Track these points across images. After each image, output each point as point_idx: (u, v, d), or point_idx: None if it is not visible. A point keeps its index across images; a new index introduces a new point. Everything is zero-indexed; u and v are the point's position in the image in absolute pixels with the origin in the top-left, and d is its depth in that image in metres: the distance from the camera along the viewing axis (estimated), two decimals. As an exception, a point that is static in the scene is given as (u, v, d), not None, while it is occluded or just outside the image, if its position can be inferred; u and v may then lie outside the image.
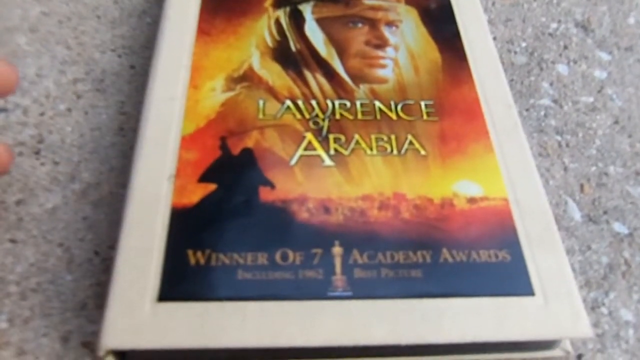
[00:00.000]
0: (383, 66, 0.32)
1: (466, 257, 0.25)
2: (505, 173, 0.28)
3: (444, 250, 0.25)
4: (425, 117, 0.30)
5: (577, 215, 0.31)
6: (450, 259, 0.24)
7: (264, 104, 0.29)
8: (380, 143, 0.28)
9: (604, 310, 0.28)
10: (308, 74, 0.31)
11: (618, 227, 0.31)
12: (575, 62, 0.39)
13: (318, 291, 0.23)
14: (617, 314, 0.28)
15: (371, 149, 0.28)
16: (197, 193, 0.26)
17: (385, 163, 0.27)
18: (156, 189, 0.25)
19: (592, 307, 0.28)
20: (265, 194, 0.26)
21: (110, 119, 0.32)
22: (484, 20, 0.35)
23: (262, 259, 0.24)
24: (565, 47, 0.40)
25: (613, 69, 0.39)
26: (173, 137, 0.27)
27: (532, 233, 0.26)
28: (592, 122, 0.36)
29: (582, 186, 0.33)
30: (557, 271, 0.25)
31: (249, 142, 0.28)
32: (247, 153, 0.27)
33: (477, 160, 0.28)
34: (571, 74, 0.38)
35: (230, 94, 0.30)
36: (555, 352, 0.25)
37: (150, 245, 0.24)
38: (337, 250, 0.24)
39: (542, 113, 0.36)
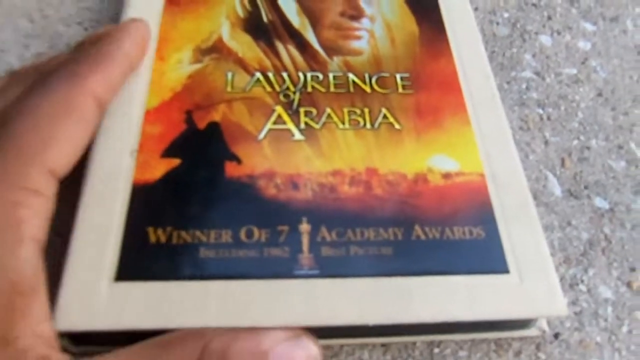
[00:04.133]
0: (358, 37, 0.31)
1: (439, 234, 0.24)
2: (482, 147, 0.27)
3: (416, 227, 0.24)
4: (400, 89, 0.28)
5: (557, 191, 0.30)
6: (422, 236, 0.23)
7: (232, 76, 0.28)
8: (353, 117, 0.27)
9: (583, 287, 0.27)
10: (280, 46, 0.30)
11: (599, 202, 0.30)
12: (559, 32, 0.38)
13: (284, 270, 0.22)
14: (595, 291, 0.27)
15: (343, 123, 0.27)
16: (159, 168, 0.25)
17: (358, 137, 0.26)
18: (117, 164, 0.24)
19: (571, 285, 0.27)
20: (231, 170, 0.25)
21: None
22: None
23: (226, 236, 0.23)
24: (549, 18, 0.39)
25: (598, 40, 0.38)
26: (137, 111, 0.26)
27: (508, 209, 0.25)
28: (575, 94, 0.35)
29: (563, 160, 0.32)
30: (533, 248, 0.24)
31: (216, 116, 0.27)
32: (214, 127, 0.26)
33: (454, 134, 0.27)
34: (554, 45, 0.37)
35: (198, 66, 0.29)
36: (531, 332, 0.25)
37: (109, 222, 0.23)
38: (304, 227, 0.23)
39: (524, 86, 0.35)
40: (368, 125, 0.27)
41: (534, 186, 0.30)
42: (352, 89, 0.28)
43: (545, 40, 0.37)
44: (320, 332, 0.22)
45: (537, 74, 0.35)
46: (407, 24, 0.32)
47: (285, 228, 0.23)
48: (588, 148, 0.32)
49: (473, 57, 0.30)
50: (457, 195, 0.25)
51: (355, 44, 0.30)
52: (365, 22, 0.32)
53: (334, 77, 0.29)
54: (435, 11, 0.32)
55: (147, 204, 0.24)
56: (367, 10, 0.32)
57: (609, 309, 0.27)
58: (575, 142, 0.33)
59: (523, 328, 0.25)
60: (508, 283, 0.23)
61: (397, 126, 0.27)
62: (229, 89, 0.28)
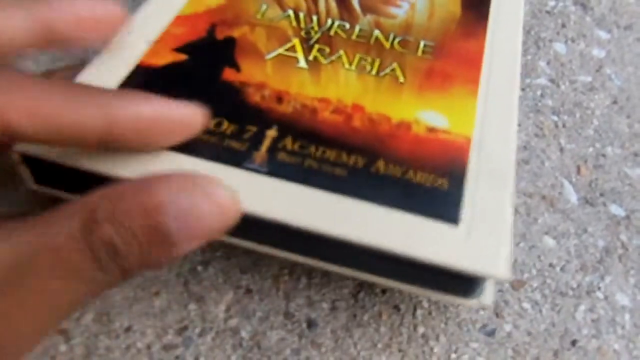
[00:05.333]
0: (398, 5, 0.31)
1: (400, 173, 0.23)
2: (481, 117, 0.26)
3: (380, 161, 0.23)
4: (419, 53, 0.28)
5: (573, 198, 0.30)
6: (382, 170, 0.23)
7: (266, 8, 0.30)
8: (362, 62, 0.28)
9: (600, 294, 0.27)
10: None
11: (615, 209, 0.30)
12: (573, 40, 0.38)
13: (235, 160, 0.23)
14: (612, 298, 0.27)
15: (350, 65, 0.27)
16: (166, 58, 0.26)
17: (359, 79, 0.27)
18: (131, 47, 0.26)
19: (588, 292, 0.27)
20: (228, 74, 0.26)
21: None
22: None
23: None
24: (563, 25, 0.39)
25: (612, 47, 0.38)
26: (168, 14, 0.28)
27: (483, 174, 0.24)
28: (590, 102, 0.35)
29: (578, 168, 0.32)
30: (494, 210, 0.22)
31: (236, 33, 0.28)
32: (229, 40, 0.28)
33: (456, 99, 0.26)
34: (569, 52, 0.37)
35: None
36: (471, 302, 0.23)
37: (103, 84, 0.24)
38: (271, 132, 0.24)
39: (539, 93, 0.35)
40: (373, 72, 0.27)
41: (550, 193, 0.30)
42: (372, 42, 0.29)
43: (559, 48, 0.37)
44: (249, 233, 0.23)
45: (552, 81, 0.35)
46: (452, 5, 0.32)
47: (254, 129, 0.24)
48: (603, 155, 0.32)
49: (505, 47, 0.29)
50: (435, 147, 0.24)
51: (392, 9, 0.31)
52: None
53: (360, 30, 0.29)
54: (485, 3, 0.32)
55: (141, 82, 0.25)
56: None
57: (627, 316, 0.27)
58: (591, 149, 0.33)
59: (465, 295, 0.23)
60: (453, 233, 0.22)
61: (401, 79, 0.27)
62: (258, 16, 0.29)
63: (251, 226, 0.21)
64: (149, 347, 0.24)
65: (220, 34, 0.28)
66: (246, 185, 0.22)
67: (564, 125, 0.33)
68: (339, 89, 0.26)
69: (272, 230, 0.22)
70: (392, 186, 0.23)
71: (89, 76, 0.25)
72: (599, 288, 0.27)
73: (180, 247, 0.18)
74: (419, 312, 0.26)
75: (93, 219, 0.17)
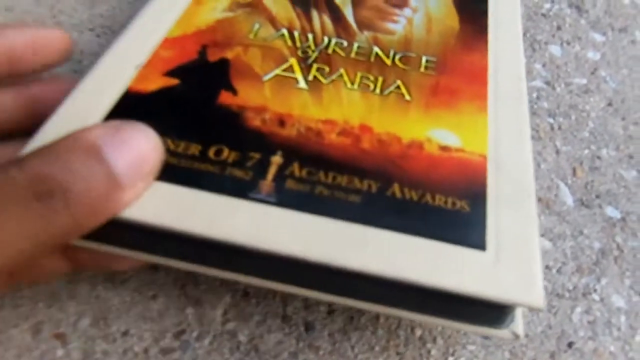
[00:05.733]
0: (395, 21, 0.30)
1: (418, 197, 0.22)
2: (493, 134, 0.24)
3: (395, 185, 0.22)
4: (422, 69, 0.27)
5: (569, 200, 0.31)
6: (398, 194, 0.22)
7: (259, 27, 0.28)
8: (365, 81, 0.26)
9: (596, 296, 0.27)
10: (314, 13, 0.30)
11: (610, 211, 0.30)
12: (568, 43, 0.38)
13: (239, 190, 0.21)
14: (608, 300, 0.27)
15: (352, 84, 0.26)
16: (156, 83, 0.25)
17: (363, 98, 0.25)
18: (119, 73, 0.25)
19: (584, 294, 0.27)
20: (225, 98, 0.25)
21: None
22: (518, 2, 0.32)
23: (194, 149, 0.22)
24: (559, 28, 0.39)
25: (607, 50, 0.38)
26: (155, 37, 0.27)
27: (503, 193, 0.22)
28: (585, 104, 0.35)
29: (574, 170, 0.32)
30: (521, 234, 0.21)
31: (229, 54, 0.27)
32: (223, 62, 0.26)
33: (465, 116, 0.25)
34: (564, 55, 0.37)
35: (230, 14, 0.29)
36: (502, 332, 0.22)
37: (87, 120, 0.23)
38: (276, 159, 0.22)
39: (535, 95, 0.35)
40: (377, 91, 0.26)
41: (546, 195, 0.30)
42: (372, 59, 0.27)
43: (555, 50, 0.37)
44: (261, 271, 0.22)
45: (548, 83, 0.36)
46: (449, 19, 0.31)
47: (257, 155, 0.22)
48: (599, 157, 0.33)
49: (509, 59, 0.29)
50: (450, 167, 0.23)
51: (389, 25, 0.30)
52: (407, 11, 0.31)
53: (358, 47, 0.28)
54: (482, 15, 0.31)
55: (131, 108, 0.24)
56: (413, 2, 0.32)
57: (622, 317, 0.27)
58: (586, 151, 0.33)
59: (494, 325, 0.22)
60: (481, 260, 0.20)
61: (407, 97, 0.26)
62: (251, 36, 0.28)
63: (262, 261, 0.21)
64: (146, 351, 0.24)
65: (212, 56, 0.27)
66: (254, 218, 0.21)
67: (559, 128, 0.34)
68: (343, 109, 0.25)
69: (284, 265, 0.21)
70: (411, 211, 0.21)
71: (74, 102, 0.23)
72: (595, 290, 0.27)
73: (126, 186, 0.19)
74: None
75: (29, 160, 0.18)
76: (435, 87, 0.26)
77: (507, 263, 0.20)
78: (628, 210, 0.30)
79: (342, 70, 0.27)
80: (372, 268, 0.20)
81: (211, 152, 0.22)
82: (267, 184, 0.22)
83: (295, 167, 0.22)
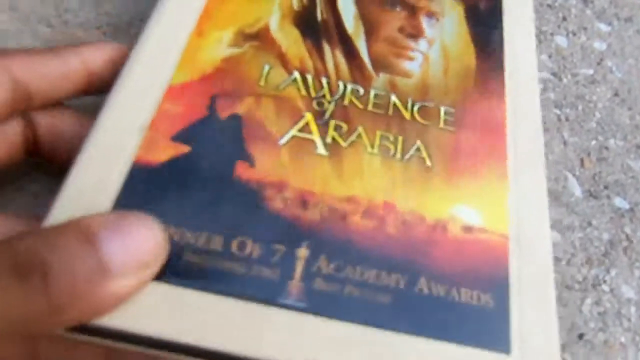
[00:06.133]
0: (411, 58, 0.29)
1: (444, 292, 0.21)
2: (514, 206, 0.24)
3: (422, 280, 0.21)
4: (442, 124, 0.26)
5: (577, 191, 0.31)
6: (426, 291, 0.21)
7: (269, 70, 0.26)
8: (385, 142, 0.25)
9: (605, 287, 0.27)
10: (327, 48, 0.28)
11: (619, 202, 0.30)
12: (574, 33, 0.38)
13: (269, 294, 0.20)
14: (618, 291, 0.27)
15: (372, 147, 0.25)
16: (166, 152, 0.23)
17: (384, 166, 0.24)
18: (121, 140, 0.22)
19: (593, 285, 0.27)
20: (242, 170, 0.23)
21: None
22: (532, 31, 0.31)
23: (216, 243, 0.21)
24: (564, 19, 0.39)
25: (613, 40, 0.38)
26: (158, 84, 0.24)
27: (525, 279, 0.22)
28: (592, 94, 0.35)
29: (582, 161, 0.32)
30: (543, 329, 0.21)
31: (241, 108, 0.25)
32: (235, 120, 0.24)
33: (486, 186, 0.25)
34: (570, 45, 0.37)
35: (236, 50, 0.27)
36: None
37: (97, 201, 0.21)
38: (302, 252, 0.21)
39: (541, 86, 0.35)
40: (398, 155, 0.25)
41: (554, 187, 0.31)
42: (390, 112, 0.26)
43: (560, 41, 0.37)
44: None
45: (554, 74, 0.36)
46: (466, 55, 0.29)
47: (282, 248, 0.21)
48: (606, 148, 0.33)
49: (527, 104, 0.28)
50: (474, 253, 0.23)
51: (406, 65, 0.28)
52: (422, 43, 0.29)
53: (375, 95, 0.27)
54: (497, 48, 0.30)
55: (142, 188, 0.22)
56: (428, 32, 0.30)
57: (632, 308, 0.27)
58: (594, 142, 0.33)
59: None
60: None
61: (428, 163, 0.25)
62: (262, 82, 0.26)
63: None
64: None
65: (222, 111, 0.24)
66: (286, 330, 0.19)
67: (566, 119, 0.34)
68: (365, 182, 0.24)
69: None
70: (438, 311, 0.21)
71: (80, 180, 0.21)
72: (605, 281, 0.28)
73: (115, 275, 0.17)
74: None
75: (22, 262, 0.17)
76: (455, 148, 0.26)
77: None
78: (637, 201, 0.30)
79: (360, 130, 0.25)
80: None
81: (234, 246, 0.21)
82: (295, 285, 0.20)
83: (323, 262, 0.21)
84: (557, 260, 0.28)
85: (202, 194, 0.22)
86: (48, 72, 0.24)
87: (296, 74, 0.26)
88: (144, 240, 0.19)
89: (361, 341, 0.20)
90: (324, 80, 0.26)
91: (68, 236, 0.17)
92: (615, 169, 0.32)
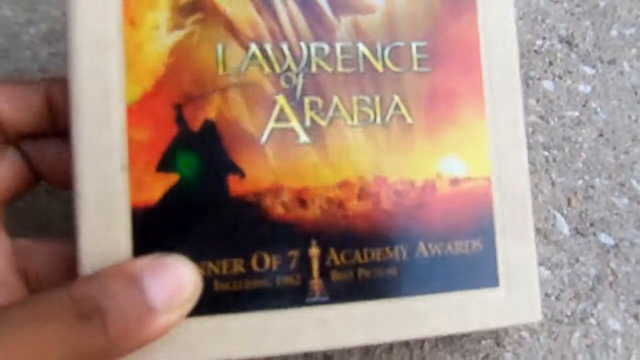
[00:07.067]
0: None
1: (441, 249, 0.25)
2: (493, 143, 0.26)
3: (421, 244, 0.24)
4: (415, 67, 0.26)
5: (565, 229, 0.33)
6: (425, 253, 0.24)
7: (223, 50, 0.24)
8: (363, 108, 0.25)
9: (593, 321, 0.29)
10: (278, 2, 0.25)
11: (604, 238, 0.33)
12: (560, 77, 0.40)
13: (297, 299, 0.23)
14: (605, 324, 0.29)
15: (352, 118, 0.25)
16: (157, 187, 0.22)
17: (368, 138, 0.25)
18: (109, 184, 0.22)
19: (582, 319, 0.29)
20: (235, 185, 0.23)
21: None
22: None
23: (238, 266, 0.23)
24: (551, 63, 0.41)
25: (597, 82, 0.40)
26: (116, 109, 0.22)
27: (507, 219, 0.25)
28: (578, 136, 0.37)
29: (569, 200, 0.34)
30: (524, 261, 0.25)
31: (210, 112, 0.23)
32: (209, 128, 0.23)
33: (466, 131, 0.26)
34: (556, 89, 0.40)
35: (180, 33, 0.24)
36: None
37: (116, 253, 0.22)
38: (314, 251, 0.23)
39: (530, 130, 0.37)
40: (378, 120, 0.25)
41: (544, 226, 0.33)
42: (362, 68, 0.25)
43: (547, 86, 0.40)
44: None
45: (542, 118, 0.38)
46: None
47: (296, 253, 0.23)
48: (592, 187, 0.35)
49: (499, 15, 0.27)
50: (463, 205, 0.25)
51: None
52: None
53: (342, 50, 0.25)
54: None
55: (151, 232, 0.22)
56: None
57: (618, 340, 0.29)
58: (580, 181, 0.35)
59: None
60: (496, 297, 0.25)
61: (408, 120, 0.25)
62: (220, 70, 0.24)
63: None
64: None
65: (192, 120, 0.23)
66: (319, 324, 0.23)
67: (554, 160, 0.36)
68: (352, 161, 0.24)
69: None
70: (438, 268, 0.25)
71: (87, 248, 0.22)
72: (592, 315, 0.30)
73: (160, 313, 0.20)
74: (426, 345, 0.28)
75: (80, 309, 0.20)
76: (432, 92, 0.25)
77: (516, 294, 0.25)
78: (621, 237, 0.33)
79: (336, 100, 0.25)
80: (422, 334, 0.24)
81: (254, 264, 0.23)
82: (316, 283, 0.23)
83: (333, 255, 0.23)
84: (546, 296, 0.30)
85: (209, 222, 0.23)
86: (16, 103, 0.24)
87: (253, 48, 0.24)
88: (182, 278, 0.21)
89: (381, 314, 0.23)
90: (284, 47, 0.25)
91: (117, 280, 0.20)
92: (600, 206, 0.34)
